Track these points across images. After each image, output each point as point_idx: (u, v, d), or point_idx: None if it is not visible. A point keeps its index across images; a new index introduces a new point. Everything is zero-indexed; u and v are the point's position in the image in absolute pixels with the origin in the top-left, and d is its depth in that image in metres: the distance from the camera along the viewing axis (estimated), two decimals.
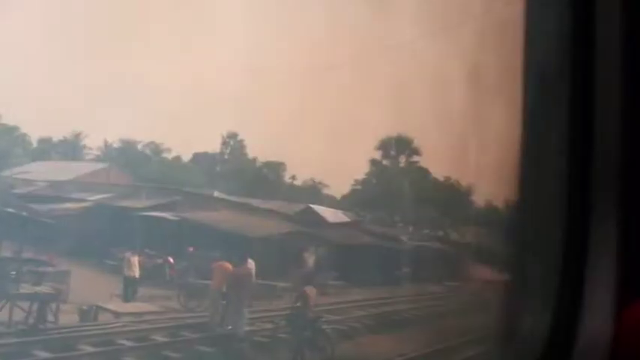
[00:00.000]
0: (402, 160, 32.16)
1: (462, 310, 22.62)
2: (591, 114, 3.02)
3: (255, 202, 27.31)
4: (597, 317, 2.89)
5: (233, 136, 32.55)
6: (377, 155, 31.83)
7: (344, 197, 32.11)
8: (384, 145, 31.63)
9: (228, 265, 18.17)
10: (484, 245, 27.30)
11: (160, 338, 15.80)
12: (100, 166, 29.74)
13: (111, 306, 17.35)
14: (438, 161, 28.95)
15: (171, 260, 21.37)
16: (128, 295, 18.64)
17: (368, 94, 27.22)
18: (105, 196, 25.00)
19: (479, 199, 28.74)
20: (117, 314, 16.89)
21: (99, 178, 27.12)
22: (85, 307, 16.70)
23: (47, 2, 23.88)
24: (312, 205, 28.23)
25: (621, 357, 2.81)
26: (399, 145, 31.93)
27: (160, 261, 21.03)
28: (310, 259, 26.03)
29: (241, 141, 32.58)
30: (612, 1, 3.00)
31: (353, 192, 32.10)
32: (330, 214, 28.64)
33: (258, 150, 30.81)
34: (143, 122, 27.28)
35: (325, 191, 32.55)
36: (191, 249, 20.37)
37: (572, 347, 2.96)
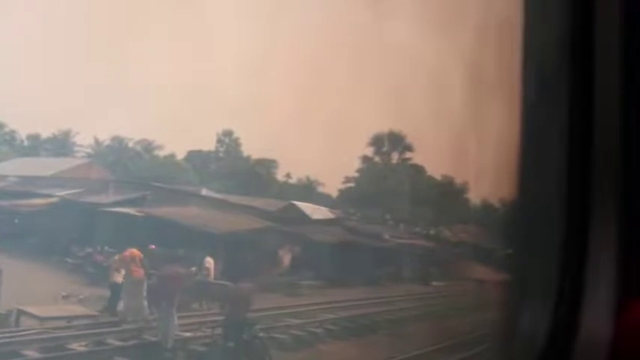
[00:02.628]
0: (395, 157, 32.08)
1: (446, 312, 21.41)
2: (591, 113, 3.02)
3: (239, 199, 26.53)
4: (597, 317, 2.90)
5: (228, 134, 32.45)
6: (371, 153, 31.81)
7: (339, 195, 31.94)
8: (378, 142, 31.56)
9: (138, 252, 16.77)
10: (477, 244, 26.68)
11: (77, 347, 13.80)
12: (81, 162, 29.26)
13: (33, 310, 15.13)
14: (436, 160, 28.96)
15: None
16: (114, 304, 17.05)
17: (366, 94, 27.20)
18: (73, 191, 24.12)
19: (476, 198, 28.68)
20: (41, 319, 14.80)
21: (79, 175, 26.35)
22: (2, 312, 14.84)
23: (45, 2, 23.84)
24: (295, 202, 27.42)
25: (621, 357, 2.81)
26: (392, 142, 31.80)
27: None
28: (286, 258, 25.00)
29: (236, 139, 32.54)
30: (612, 1, 3.00)
31: (347, 190, 31.92)
32: (314, 211, 27.65)
33: (256, 149, 30.77)
34: (140, 121, 27.26)
35: (320, 189, 32.43)
36: (153, 247, 19.08)
37: (572, 347, 2.96)
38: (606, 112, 2.99)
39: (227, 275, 20.00)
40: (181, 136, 28.37)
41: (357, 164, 31.09)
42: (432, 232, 30.06)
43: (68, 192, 23.93)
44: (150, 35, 23.72)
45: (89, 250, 20.12)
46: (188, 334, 15.39)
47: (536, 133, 3.31)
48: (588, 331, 2.92)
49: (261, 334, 15.16)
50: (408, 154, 31.80)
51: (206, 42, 24.32)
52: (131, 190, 25.04)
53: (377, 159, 31.93)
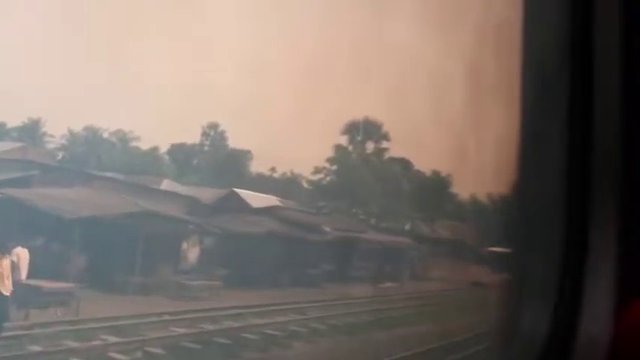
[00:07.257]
0: (371, 146, 31.88)
1: (376, 322, 17.04)
2: (591, 113, 3.02)
3: (145, 179, 24.48)
4: (597, 317, 2.90)
5: (214, 126, 32.49)
6: (345, 142, 31.64)
7: (312, 188, 31.74)
8: (352, 131, 31.33)
9: None
10: (459, 241, 25.41)
11: None
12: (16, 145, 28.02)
13: None
14: (435, 160, 28.98)
15: None
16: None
17: (366, 94, 27.29)
18: None
19: (471, 196, 28.63)
20: None
21: (13, 157, 24.94)
22: None
23: (45, 2, 23.91)
24: (236, 190, 25.11)
25: (621, 357, 2.81)
26: (367, 131, 31.59)
27: None
28: (192, 252, 21.15)
29: (222, 132, 32.48)
30: (612, 0, 2.99)
31: (319, 181, 31.64)
32: (257, 200, 25.02)
33: (254, 148, 30.80)
34: (139, 120, 27.30)
35: (304, 184, 32.32)
36: None
37: (572, 347, 2.95)
38: (606, 112, 2.99)
39: (88, 271, 16.63)
40: (179, 134, 28.39)
41: (330, 154, 30.50)
42: (407, 227, 28.56)
43: None
44: (150, 35, 23.72)
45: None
46: None
47: (536, 133, 3.30)
48: (588, 331, 2.92)
49: None
50: (385, 144, 31.40)
51: (206, 42, 24.34)
52: (12, 167, 22.50)
53: (350, 148, 31.50)
